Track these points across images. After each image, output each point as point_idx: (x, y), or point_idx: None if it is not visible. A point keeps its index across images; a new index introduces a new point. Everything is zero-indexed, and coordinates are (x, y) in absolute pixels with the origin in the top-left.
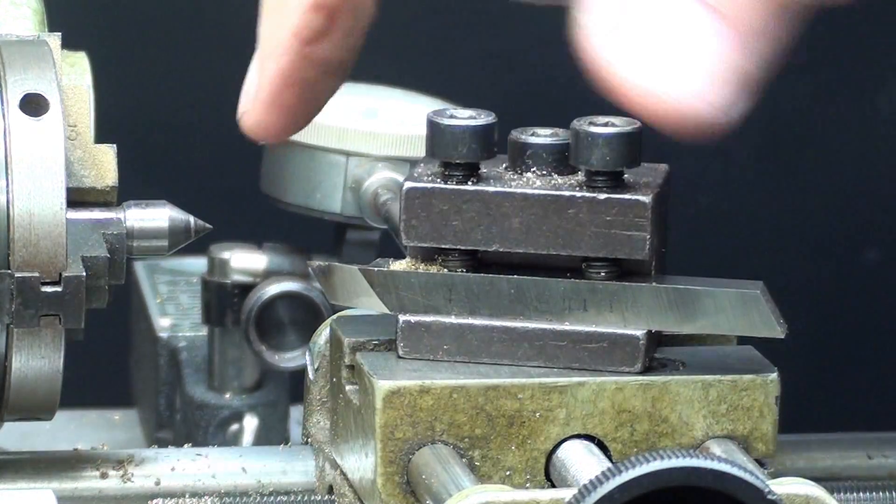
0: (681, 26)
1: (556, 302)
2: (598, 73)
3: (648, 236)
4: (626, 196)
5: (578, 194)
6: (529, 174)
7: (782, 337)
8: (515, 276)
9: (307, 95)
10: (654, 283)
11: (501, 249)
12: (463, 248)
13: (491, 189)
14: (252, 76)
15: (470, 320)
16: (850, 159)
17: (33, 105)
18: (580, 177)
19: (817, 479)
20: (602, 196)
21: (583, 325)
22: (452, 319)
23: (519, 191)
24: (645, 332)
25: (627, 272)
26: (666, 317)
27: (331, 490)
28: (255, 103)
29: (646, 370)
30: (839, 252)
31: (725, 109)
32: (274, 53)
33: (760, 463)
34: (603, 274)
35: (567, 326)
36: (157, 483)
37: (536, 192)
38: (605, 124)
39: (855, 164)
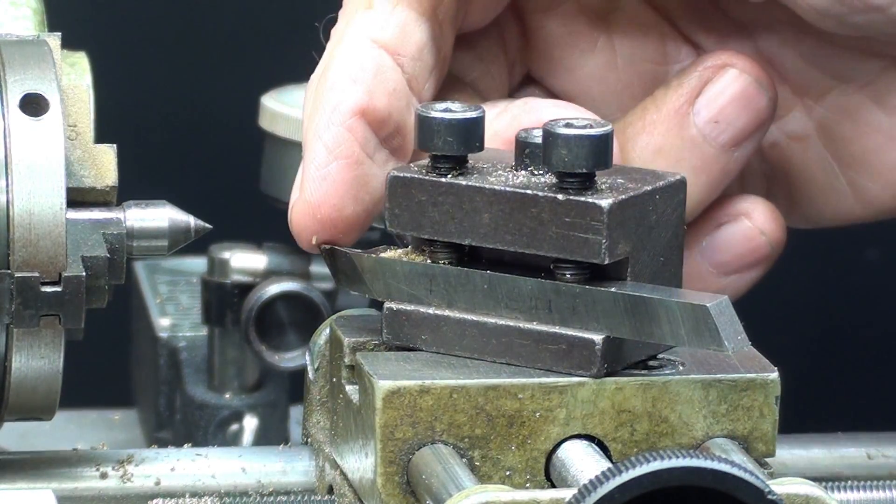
0: None
1: (523, 300)
2: None
3: (604, 241)
4: (584, 199)
5: (541, 194)
6: (524, 172)
7: (730, 353)
8: (488, 272)
9: (355, 171)
10: (613, 289)
11: (473, 243)
12: (440, 239)
13: (463, 183)
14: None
15: (447, 312)
16: None
17: (33, 105)
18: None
19: (817, 479)
20: (562, 197)
21: (546, 325)
22: (431, 310)
23: (488, 186)
24: (603, 336)
25: (596, 276)
26: (622, 324)
27: (331, 490)
28: (303, 183)
29: (608, 374)
30: (839, 252)
31: None
32: (320, 128)
33: (760, 463)
34: (569, 276)
35: (532, 325)
36: (157, 483)
37: (504, 188)
38: (568, 125)
39: None
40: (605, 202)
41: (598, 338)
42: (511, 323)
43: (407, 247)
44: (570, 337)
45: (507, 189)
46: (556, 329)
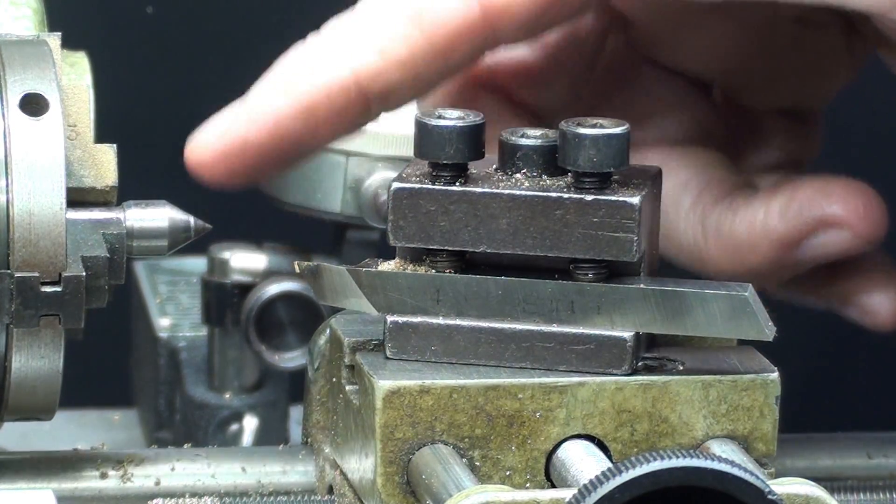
0: None
1: (543, 303)
2: None
3: (636, 238)
4: (614, 197)
5: (566, 195)
6: (519, 175)
7: (770, 339)
8: (503, 278)
9: (259, 166)
10: (641, 285)
11: (489, 250)
12: (450, 248)
13: (478, 190)
14: (225, 118)
15: (458, 321)
16: (851, 159)
17: (33, 105)
18: (569, 178)
19: (817, 479)
20: (589, 197)
21: (570, 326)
22: (440, 320)
23: (506, 192)
24: (632, 333)
25: (616, 273)
26: (654, 319)
27: (331, 490)
28: (208, 145)
29: (634, 371)
30: None
31: None
32: (252, 121)
33: (761, 463)
34: (590, 275)
35: (554, 328)
36: (157, 483)
37: (524, 193)
38: (593, 125)
39: (855, 164)
40: (635, 199)
41: (627, 335)
42: (531, 327)
43: (394, 258)
44: (597, 336)
45: (528, 193)
46: (581, 329)
